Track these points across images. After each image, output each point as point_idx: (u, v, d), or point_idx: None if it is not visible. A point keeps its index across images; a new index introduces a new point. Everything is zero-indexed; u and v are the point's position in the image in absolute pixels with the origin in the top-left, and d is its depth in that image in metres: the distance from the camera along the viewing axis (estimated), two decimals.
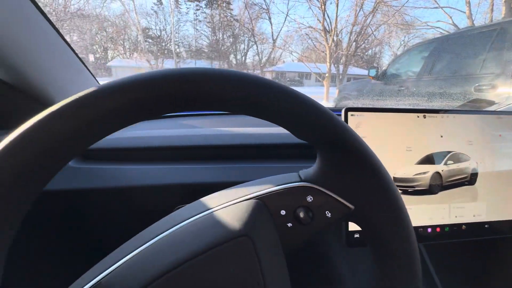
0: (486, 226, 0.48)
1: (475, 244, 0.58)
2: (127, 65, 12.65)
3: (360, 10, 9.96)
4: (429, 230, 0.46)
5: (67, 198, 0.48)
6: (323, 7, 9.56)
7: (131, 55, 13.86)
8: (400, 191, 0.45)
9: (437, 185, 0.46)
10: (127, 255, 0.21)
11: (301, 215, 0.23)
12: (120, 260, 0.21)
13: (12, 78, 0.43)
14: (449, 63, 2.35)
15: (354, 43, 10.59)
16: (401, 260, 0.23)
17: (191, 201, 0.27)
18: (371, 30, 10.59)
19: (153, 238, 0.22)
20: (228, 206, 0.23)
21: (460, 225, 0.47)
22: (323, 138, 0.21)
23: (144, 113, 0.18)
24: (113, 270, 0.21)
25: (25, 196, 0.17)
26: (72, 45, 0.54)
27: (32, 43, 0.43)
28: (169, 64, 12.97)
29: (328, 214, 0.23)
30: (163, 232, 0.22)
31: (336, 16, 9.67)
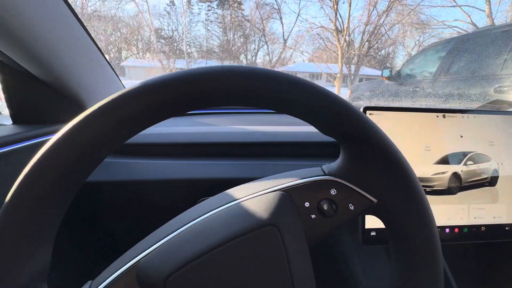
0: (506, 228, 0.47)
1: (493, 247, 0.57)
2: (140, 65, 12.95)
3: (373, 9, 9.79)
4: (447, 230, 0.46)
5: (89, 190, 0.50)
6: (335, 6, 9.46)
7: (144, 55, 14.18)
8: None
9: (456, 186, 0.46)
10: (160, 240, 0.23)
11: (325, 207, 0.24)
12: (153, 245, 0.23)
13: (48, 78, 0.46)
14: (467, 63, 2.27)
15: (367, 43, 10.41)
16: (423, 258, 0.23)
17: (212, 195, 0.28)
18: (385, 29, 10.38)
19: (183, 226, 0.24)
20: (255, 197, 0.25)
21: (479, 226, 0.46)
22: (347, 133, 0.22)
23: (180, 109, 0.19)
24: (149, 254, 0.22)
25: (73, 186, 0.19)
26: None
27: (67, 45, 0.46)
28: (180, 64, 13.19)
29: (351, 207, 0.24)
30: (193, 220, 0.24)
31: (349, 16, 9.54)
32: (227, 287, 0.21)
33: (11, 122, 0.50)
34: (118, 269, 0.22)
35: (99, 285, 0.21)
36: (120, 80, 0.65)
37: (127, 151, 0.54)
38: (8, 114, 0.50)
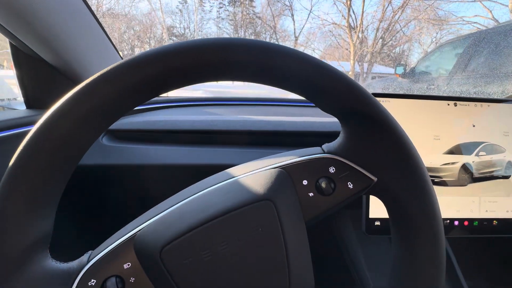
0: None
1: (505, 242, 0.54)
2: None
3: (388, 5, 9.51)
4: (456, 223, 0.44)
5: (98, 172, 0.52)
6: (348, 2, 9.27)
7: None
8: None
9: (466, 177, 0.44)
10: (160, 213, 0.23)
11: (323, 185, 0.23)
12: (153, 217, 0.23)
13: (60, 64, 0.47)
14: (487, 60, 2.17)
15: (381, 40, 10.14)
16: (424, 236, 0.22)
17: None
18: (400, 26, 10.08)
19: (184, 200, 0.24)
20: (253, 174, 0.25)
21: (491, 220, 0.44)
22: (347, 108, 0.21)
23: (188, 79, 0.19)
24: (147, 225, 0.23)
25: (74, 156, 0.20)
26: None
27: (79, 33, 0.47)
28: None
29: (350, 186, 0.23)
30: (194, 194, 0.24)
31: (362, 12, 9.33)
32: (221, 258, 0.21)
33: (24, 107, 0.52)
34: (117, 240, 0.22)
35: (98, 254, 0.22)
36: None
37: (135, 138, 0.56)
38: (21, 101, 0.52)
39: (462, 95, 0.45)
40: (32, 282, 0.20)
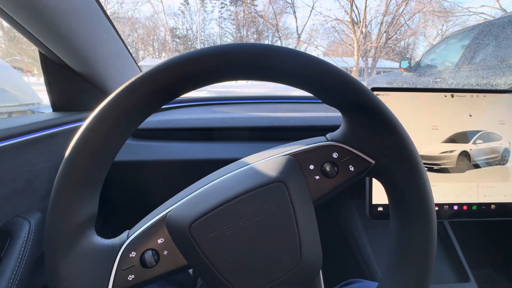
0: None
1: (505, 226, 0.56)
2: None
3: None
4: (455, 207, 0.47)
5: (124, 168, 0.56)
6: None
7: (160, 55, 14.57)
8: (425, 169, 0.47)
9: (465, 164, 0.47)
10: (187, 196, 0.27)
11: (328, 168, 0.27)
12: (181, 200, 0.27)
13: (84, 70, 0.52)
14: (494, 51, 2.13)
15: (385, 34, 10.02)
16: (417, 216, 0.25)
17: None
18: (404, 19, 9.93)
19: (207, 184, 0.28)
20: (266, 160, 0.28)
21: (489, 204, 0.47)
22: (348, 101, 0.24)
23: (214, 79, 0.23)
24: (176, 206, 0.26)
25: (116, 144, 0.24)
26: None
27: (101, 43, 0.52)
28: None
29: (351, 168, 0.27)
30: (216, 179, 0.28)
31: (365, 6, 9.23)
32: (242, 231, 0.24)
33: (51, 110, 0.57)
34: (151, 220, 0.26)
35: (136, 232, 0.26)
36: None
37: (151, 136, 0.60)
38: (45, 105, 0.57)
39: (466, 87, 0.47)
40: (84, 254, 0.24)
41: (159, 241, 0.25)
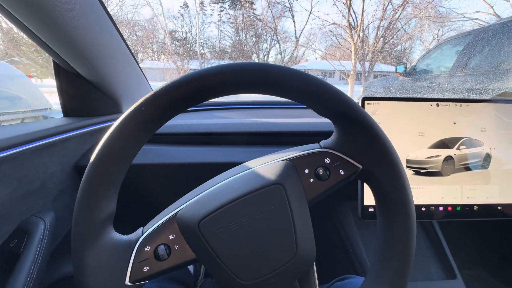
0: (499, 208, 0.51)
1: (488, 226, 0.60)
2: (155, 67, 13.38)
3: (388, 3, 9.53)
4: (441, 208, 0.50)
5: (131, 170, 0.59)
6: (348, 2, 9.30)
7: (159, 57, 14.62)
8: (412, 172, 0.50)
9: (449, 168, 0.50)
10: (196, 196, 0.30)
11: (321, 172, 0.30)
12: (190, 199, 0.30)
13: (93, 78, 0.55)
14: (487, 57, 2.16)
15: (382, 38, 10.16)
16: (398, 205, 0.29)
17: None
18: (401, 24, 10.08)
19: (214, 186, 0.31)
20: (266, 165, 0.31)
21: (472, 205, 0.50)
22: (338, 112, 0.28)
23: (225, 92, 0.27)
24: (186, 205, 0.30)
25: (135, 148, 0.27)
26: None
27: (109, 52, 0.55)
28: (194, 65, 13.50)
29: (342, 172, 0.30)
30: (221, 181, 0.31)
31: (362, 11, 9.35)
32: (245, 228, 0.28)
33: (61, 115, 0.60)
34: (163, 218, 0.29)
35: (150, 228, 0.29)
36: (148, 82, 0.74)
37: (156, 140, 0.63)
38: (54, 110, 0.60)
39: (467, 95, 0.51)
40: (105, 248, 0.27)
41: (171, 236, 0.28)
